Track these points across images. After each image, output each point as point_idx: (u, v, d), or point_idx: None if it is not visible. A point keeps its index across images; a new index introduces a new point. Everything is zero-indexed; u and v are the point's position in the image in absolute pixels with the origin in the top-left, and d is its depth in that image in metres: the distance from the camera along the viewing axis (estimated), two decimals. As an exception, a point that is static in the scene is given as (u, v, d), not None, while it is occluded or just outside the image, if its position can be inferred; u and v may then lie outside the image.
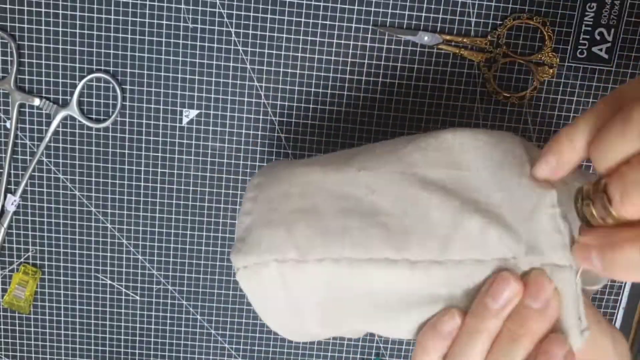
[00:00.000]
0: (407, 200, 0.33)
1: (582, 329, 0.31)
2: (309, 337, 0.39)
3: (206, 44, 0.48)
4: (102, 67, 0.48)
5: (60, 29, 0.47)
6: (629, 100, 0.27)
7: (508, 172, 0.33)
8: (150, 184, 0.51)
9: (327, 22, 0.47)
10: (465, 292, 0.32)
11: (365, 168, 0.34)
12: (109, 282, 0.53)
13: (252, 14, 0.47)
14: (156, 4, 0.47)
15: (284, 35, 0.48)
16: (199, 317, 0.54)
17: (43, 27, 0.47)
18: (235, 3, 0.47)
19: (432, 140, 0.35)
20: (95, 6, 0.47)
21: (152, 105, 0.49)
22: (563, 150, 0.30)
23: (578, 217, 0.30)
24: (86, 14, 0.47)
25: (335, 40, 0.48)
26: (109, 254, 0.52)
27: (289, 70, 0.48)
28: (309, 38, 0.48)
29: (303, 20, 0.47)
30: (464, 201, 0.32)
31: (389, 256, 0.32)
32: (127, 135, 0.50)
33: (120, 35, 0.47)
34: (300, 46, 0.48)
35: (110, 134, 0.50)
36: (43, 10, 0.47)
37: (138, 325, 0.54)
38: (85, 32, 0.47)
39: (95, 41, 0.48)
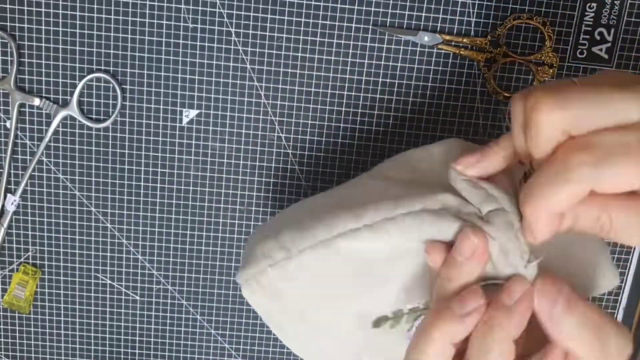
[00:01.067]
0: (370, 190, 0.38)
1: (526, 262, 0.33)
2: (322, 355, 0.41)
3: (206, 44, 0.48)
4: (102, 67, 0.48)
5: (60, 29, 0.47)
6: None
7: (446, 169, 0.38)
8: (150, 184, 0.51)
9: (327, 22, 0.47)
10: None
11: (346, 186, 0.40)
12: (109, 282, 0.53)
13: (252, 14, 0.47)
14: (156, 4, 0.47)
15: (284, 35, 0.48)
16: (199, 317, 0.54)
17: (43, 27, 0.47)
18: (235, 3, 0.47)
19: (400, 156, 0.40)
20: (95, 6, 0.47)
21: (152, 105, 0.49)
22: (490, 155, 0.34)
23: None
24: (86, 14, 0.47)
25: (335, 40, 0.48)
26: (109, 254, 0.52)
27: (289, 70, 0.48)
28: (309, 38, 0.48)
29: (303, 20, 0.47)
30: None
31: (352, 227, 0.35)
32: (127, 135, 0.50)
33: (120, 35, 0.47)
34: (300, 46, 0.48)
35: (110, 134, 0.50)
36: (43, 10, 0.47)
37: (138, 325, 0.54)
38: (85, 32, 0.47)
39: (95, 41, 0.48)
